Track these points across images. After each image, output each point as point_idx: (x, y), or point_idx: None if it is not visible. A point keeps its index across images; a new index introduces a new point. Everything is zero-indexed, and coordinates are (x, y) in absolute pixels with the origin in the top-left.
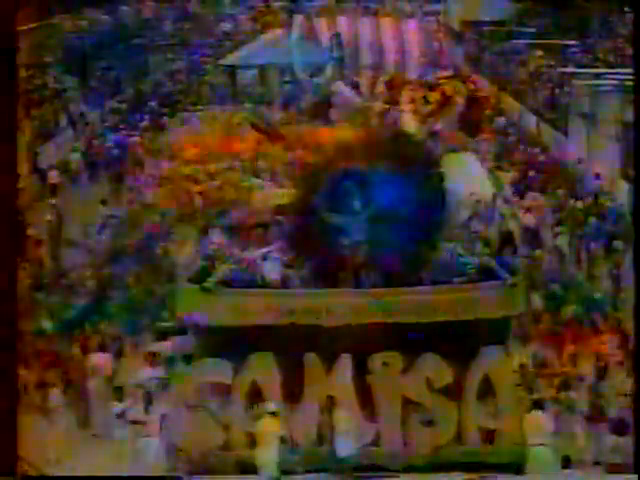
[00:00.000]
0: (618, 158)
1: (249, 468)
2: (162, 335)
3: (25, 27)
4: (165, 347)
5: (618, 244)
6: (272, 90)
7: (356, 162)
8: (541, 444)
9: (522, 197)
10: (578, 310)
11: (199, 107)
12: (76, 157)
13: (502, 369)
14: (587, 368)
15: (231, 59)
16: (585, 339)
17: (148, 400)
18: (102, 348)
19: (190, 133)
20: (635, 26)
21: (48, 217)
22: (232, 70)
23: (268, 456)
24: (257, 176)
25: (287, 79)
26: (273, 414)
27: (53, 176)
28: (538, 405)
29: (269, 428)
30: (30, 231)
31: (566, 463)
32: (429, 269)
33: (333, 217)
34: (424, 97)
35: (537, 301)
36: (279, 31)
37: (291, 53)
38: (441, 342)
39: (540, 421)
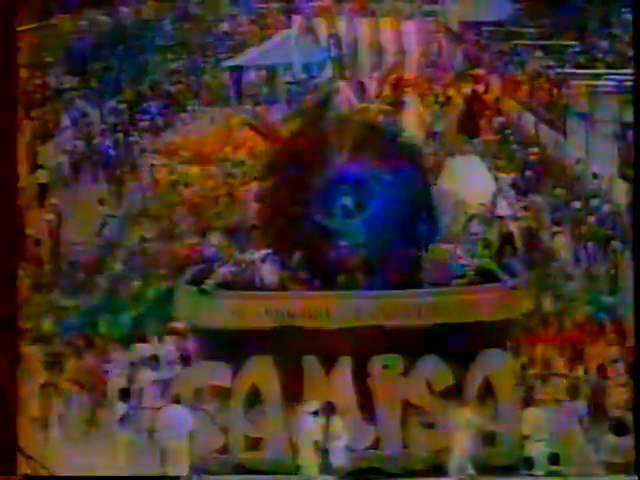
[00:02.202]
0: (616, 158)
1: (247, 471)
2: (162, 337)
3: (25, 27)
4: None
5: (616, 244)
6: (272, 91)
7: (351, 163)
8: (537, 441)
9: (521, 198)
10: (582, 312)
11: (198, 108)
12: (75, 157)
13: (502, 372)
14: (589, 369)
15: (234, 60)
16: (587, 340)
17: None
18: (101, 349)
19: (189, 134)
20: (635, 27)
21: (48, 216)
22: (234, 71)
23: (309, 457)
24: (255, 177)
25: (288, 80)
26: (315, 414)
27: (45, 176)
28: (534, 403)
29: (310, 429)
30: (29, 230)
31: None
32: (426, 271)
33: (329, 220)
34: (436, 96)
35: (539, 303)
36: (284, 32)
37: (290, 53)
38: (441, 345)
39: (537, 418)
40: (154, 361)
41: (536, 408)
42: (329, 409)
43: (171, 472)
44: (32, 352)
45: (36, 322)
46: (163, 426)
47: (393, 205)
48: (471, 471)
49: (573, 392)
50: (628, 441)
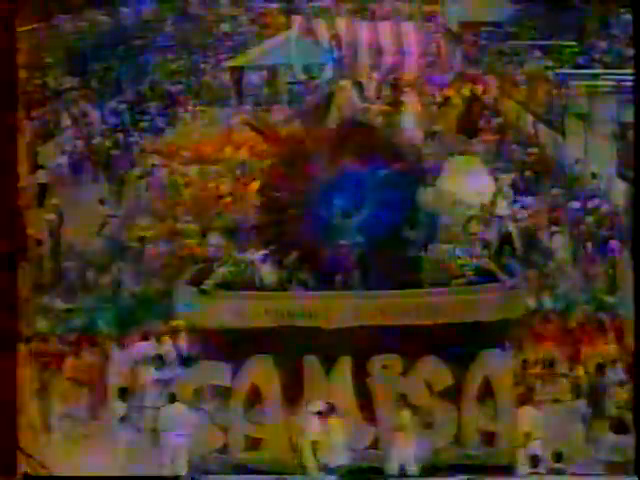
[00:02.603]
0: (615, 158)
1: (247, 471)
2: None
3: (26, 28)
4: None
5: (613, 243)
6: (273, 91)
7: (349, 163)
8: (536, 439)
9: (520, 198)
10: (581, 311)
11: (199, 108)
12: (75, 157)
13: (502, 372)
14: (588, 368)
15: (235, 61)
16: (586, 340)
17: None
18: (101, 348)
19: (190, 134)
20: (635, 27)
21: (48, 216)
22: (235, 71)
23: (313, 457)
24: (254, 177)
25: (289, 80)
26: (319, 414)
27: (45, 176)
28: (534, 402)
29: (317, 429)
30: (30, 230)
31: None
32: (425, 271)
33: (327, 220)
34: (434, 96)
35: (538, 303)
36: (285, 33)
37: (290, 54)
38: (441, 345)
39: (534, 417)
40: (157, 360)
41: (532, 407)
42: (330, 409)
43: (171, 471)
44: (32, 351)
45: (36, 321)
46: (164, 425)
47: (391, 205)
48: (413, 470)
49: (573, 392)
50: (628, 440)
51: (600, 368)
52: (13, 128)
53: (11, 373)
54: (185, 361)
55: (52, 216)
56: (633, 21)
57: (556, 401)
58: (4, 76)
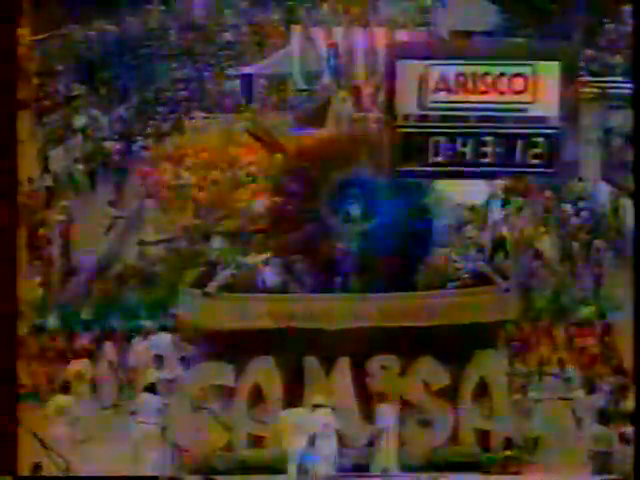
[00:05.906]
0: (599, 162)
1: (251, 469)
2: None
3: (37, 37)
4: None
5: (599, 244)
6: (274, 99)
7: (352, 170)
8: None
9: (513, 202)
10: (571, 310)
11: (202, 115)
12: (84, 161)
13: (497, 371)
14: (578, 365)
15: (239, 69)
16: (577, 338)
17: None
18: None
19: (194, 140)
20: (635, 34)
21: (59, 217)
22: (239, 79)
23: (322, 451)
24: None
25: (291, 89)
26: (319, 407)
27: (55, 179)
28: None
29: (321, 422)
30: (41, 231)
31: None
32: (422, 274)
33: (332, 224)
34: None
35: (531, 304)
36: (288, 43)
37: (292, 63)
38: (438, 345)
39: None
40: (158, 361)
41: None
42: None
43: (143, 457)
44: (40, 348)
45: (45, 319)
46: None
47: (395, 210)
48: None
49: (565, 389)
50: (612, 431)
51: (590, 364)
52: (23, 134)
53: (11, 373)
54: (189, 362)
55: (62, 217)
56: (633, 27)
57: (551, 399)
58: (6, 79)
